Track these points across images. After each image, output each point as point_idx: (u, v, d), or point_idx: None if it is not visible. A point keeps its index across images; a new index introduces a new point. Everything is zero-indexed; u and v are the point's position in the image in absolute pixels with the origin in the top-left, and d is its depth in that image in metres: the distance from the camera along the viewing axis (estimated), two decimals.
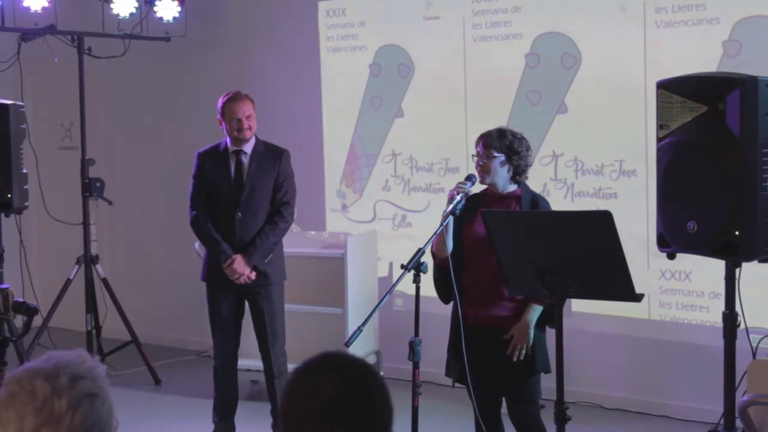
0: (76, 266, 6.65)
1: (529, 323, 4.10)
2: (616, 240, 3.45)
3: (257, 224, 5.24)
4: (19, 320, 3.74)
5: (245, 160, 5.26)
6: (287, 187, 5.30)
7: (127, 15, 6.81)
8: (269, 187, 5.26)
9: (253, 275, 5.19)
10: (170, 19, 7.04)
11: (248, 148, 5.26)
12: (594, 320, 5.96)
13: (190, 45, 7.29)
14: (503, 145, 4.20)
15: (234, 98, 5.22)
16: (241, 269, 5.15)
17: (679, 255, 4.13)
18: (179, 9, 7.02)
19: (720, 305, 4.16)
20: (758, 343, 4.21)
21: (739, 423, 3.85)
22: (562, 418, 3.62)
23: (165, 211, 7.68)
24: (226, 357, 5.36)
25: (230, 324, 5.33)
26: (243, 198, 5.22)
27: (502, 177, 4.22)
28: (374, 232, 6.66)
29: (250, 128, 5.22)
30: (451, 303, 4.23)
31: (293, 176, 5.36)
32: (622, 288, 3.55)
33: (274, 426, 5.38)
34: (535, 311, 4.11)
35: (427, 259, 3.91)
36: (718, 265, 4.05)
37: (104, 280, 6.71)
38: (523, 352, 4.10)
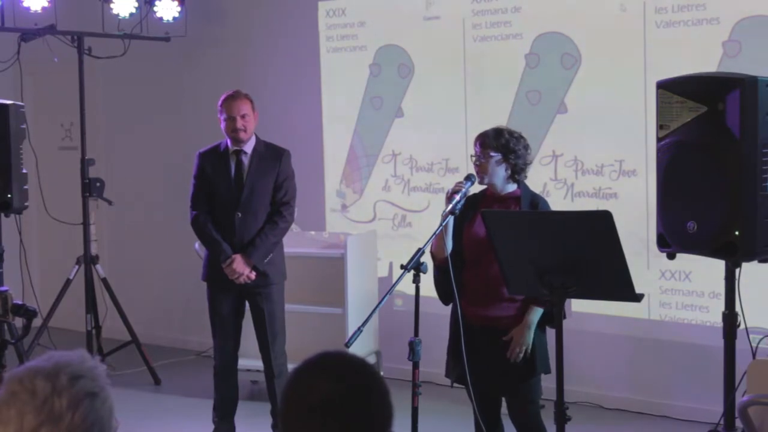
0: (76, 266, 6.66)
1: (529, 325, 4.10)
2: (616, 240, 3.44)
3: (257, 224, 5.23)
4: (18, 322, 3.74)
5: (245, 160, 5.25)
6: (287, 187, 5.29)
7: (127, 15, 6.81)
8: (269, 187, 5.25)
9: (253, 275, 5.19)
10: (170, 19, 7.04)
11: (248, 148, 5.25)
12: (594, 320, 5.96)
13: (190, 45, 7.29)
14: (499, 144, 4.19)
15: (232, 96, 5.20)
16: (241, 269, 5.15)
17: (679, 255, 4.13)
18: (179, 9, 7.02)
19: (720, 305, 4.16)
20: (758, 343, 4.21)
21: (739, 423, 3.85)
22: (562, 418, 3.62)
23: (165, 211, 7.68)
24: (226, 357, 5.36)
25: (230, 324, 5.32)
26: (243, 198, 5.21)
27: (499, 176, 4.21)
28: (374, 232, 6.66)
29: (244, 129, 5.16)
30: (451, 303, 4.22)
31: (293, 176, 5.35)
32: (622, 288, 3.55)
33: (274, 426, 5.38)
34: (536, 313, 4.11)
35: (427, 259, 3.91)
36: (718, 265, 4.04)
37: (104, 280, 6.71)
38: (522, 355, 4.10)
